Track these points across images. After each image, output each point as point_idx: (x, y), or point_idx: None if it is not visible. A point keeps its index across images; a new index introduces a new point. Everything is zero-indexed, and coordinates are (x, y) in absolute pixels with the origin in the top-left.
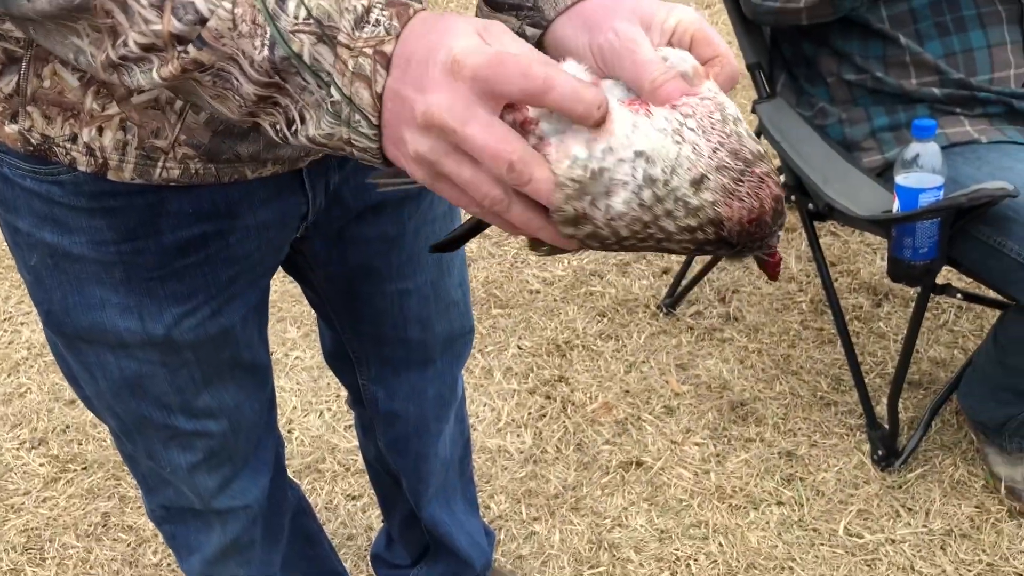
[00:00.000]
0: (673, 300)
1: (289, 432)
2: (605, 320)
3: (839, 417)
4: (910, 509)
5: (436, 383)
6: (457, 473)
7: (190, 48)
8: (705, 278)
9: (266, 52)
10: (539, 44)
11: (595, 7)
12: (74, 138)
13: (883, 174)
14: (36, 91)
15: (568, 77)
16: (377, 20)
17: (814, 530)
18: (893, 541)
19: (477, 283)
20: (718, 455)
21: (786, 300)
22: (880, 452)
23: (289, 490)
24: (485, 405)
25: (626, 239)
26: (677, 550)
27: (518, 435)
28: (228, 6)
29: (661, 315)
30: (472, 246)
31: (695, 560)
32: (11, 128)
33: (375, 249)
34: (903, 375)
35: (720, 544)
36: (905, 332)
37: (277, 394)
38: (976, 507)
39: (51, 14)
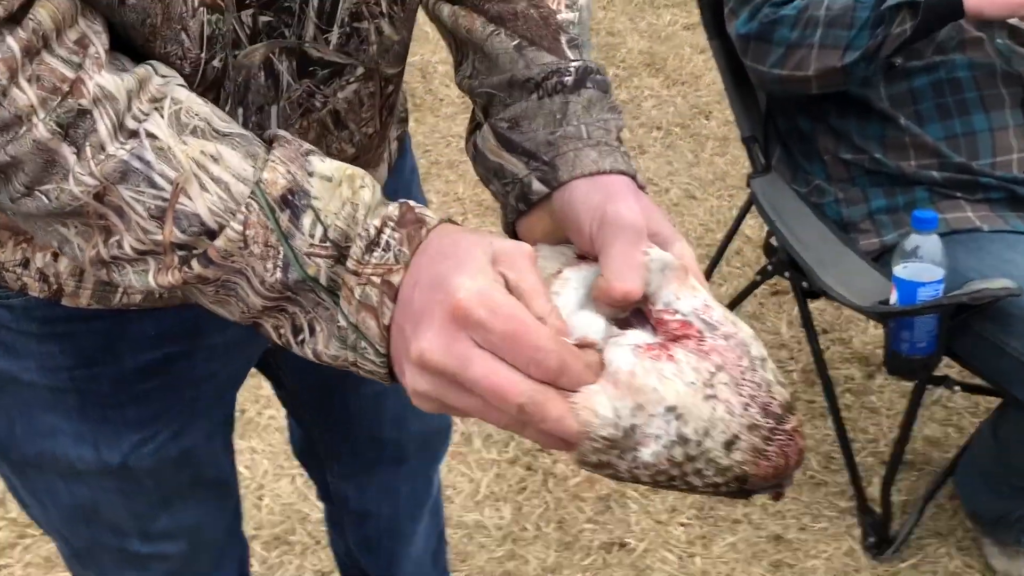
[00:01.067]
0: None
1: (259, 498)
2: None
3: (829, 499)
4: None
5: (410, 482)
6: (431, 567)
7: (194, 264)
8: None
9: (279, 275)
10: (546, 196)
11: (616, 180)
12: (26, 263)
13: (879, 258)
14: None
15: (577, 359)
16: (387, 244)
17: None
18: None
19: None
20: (704, 537)
21: (778, 367)
22: (872, 539)
23: None
24: (463, 476)
25: (644, 483)
26: None
27: (497, 509)
28: (239, 228)
29: None
30: None
31: None
32: None
33: None
34: (896, 465)
35: None
36: (899, 409)
37: (248, 455)
38: None
39: (38, 216)
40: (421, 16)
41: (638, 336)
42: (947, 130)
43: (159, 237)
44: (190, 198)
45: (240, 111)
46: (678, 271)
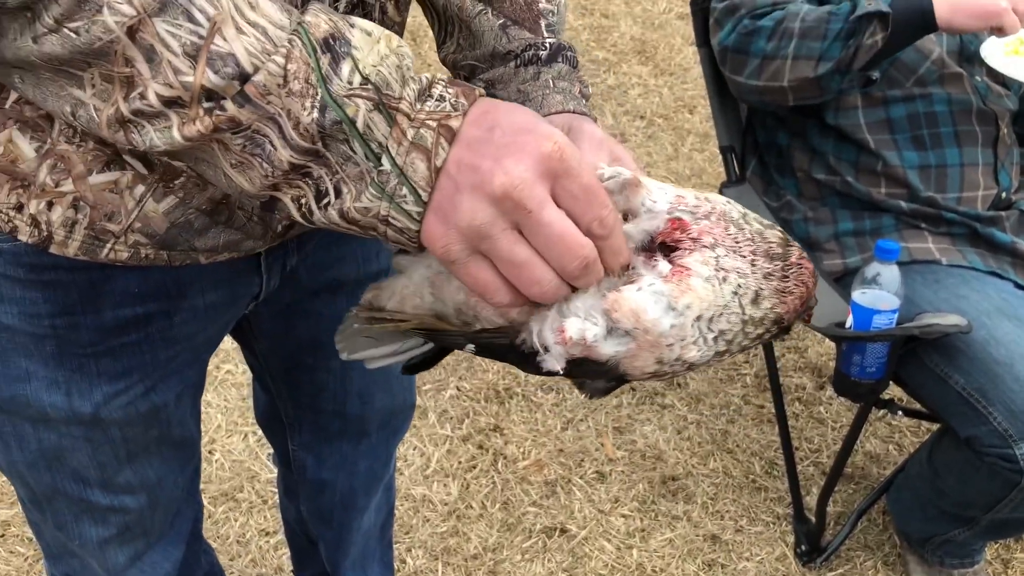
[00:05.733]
0: None
1: (210, 453)
2: None
3: (768, 504)
4: None
5: (369, 457)
6: (377, 540)
7: (228, 104)
8: None
9: (315, 114)
10: None
11: (581, 116)
12: (20, 207)
13: (841, 279)
14: None
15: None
16: (441, 96)
17: None
18: None
19: None
20: (643, 530)
21: (731, 371)
22: (804, 547)
23: (203, 555)
24: (415, 449)
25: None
26: None
27: (444, 485)
28: (280, 60)
29: None
30: None
31: None
32: None
33: (326, 325)
34: (835, 479)
35: None
36: (845, 422)
37: (203, 409)
38: None
39: (61, 58)
40: None
41: (653, 270)
42: (921, 160)
43: (190, 79)
44: (226, 39)
45: None
46: (633, 180)
